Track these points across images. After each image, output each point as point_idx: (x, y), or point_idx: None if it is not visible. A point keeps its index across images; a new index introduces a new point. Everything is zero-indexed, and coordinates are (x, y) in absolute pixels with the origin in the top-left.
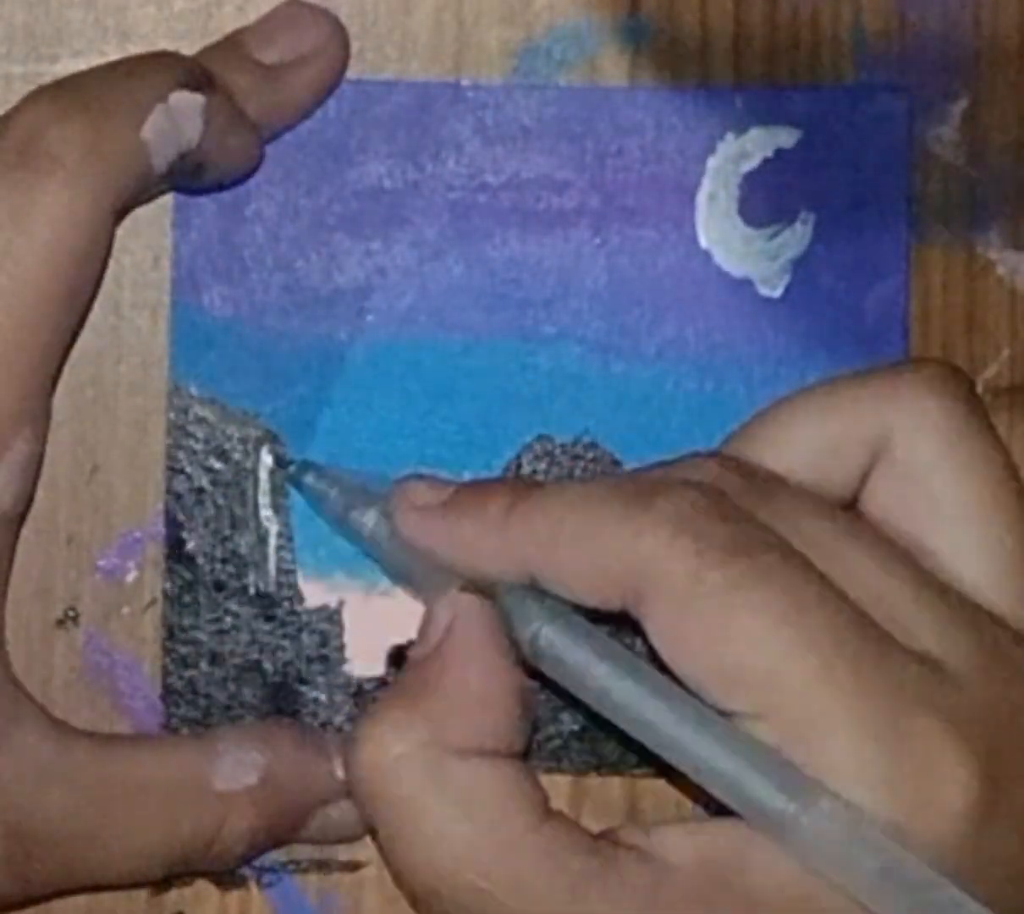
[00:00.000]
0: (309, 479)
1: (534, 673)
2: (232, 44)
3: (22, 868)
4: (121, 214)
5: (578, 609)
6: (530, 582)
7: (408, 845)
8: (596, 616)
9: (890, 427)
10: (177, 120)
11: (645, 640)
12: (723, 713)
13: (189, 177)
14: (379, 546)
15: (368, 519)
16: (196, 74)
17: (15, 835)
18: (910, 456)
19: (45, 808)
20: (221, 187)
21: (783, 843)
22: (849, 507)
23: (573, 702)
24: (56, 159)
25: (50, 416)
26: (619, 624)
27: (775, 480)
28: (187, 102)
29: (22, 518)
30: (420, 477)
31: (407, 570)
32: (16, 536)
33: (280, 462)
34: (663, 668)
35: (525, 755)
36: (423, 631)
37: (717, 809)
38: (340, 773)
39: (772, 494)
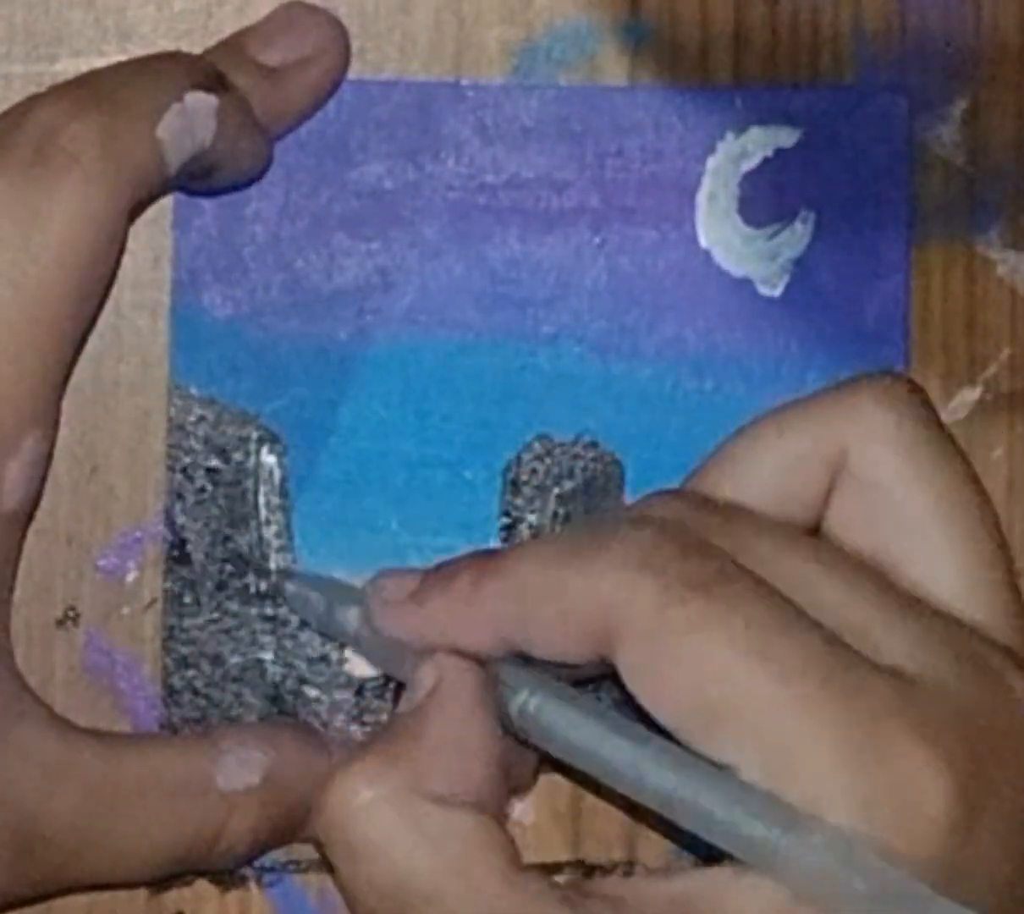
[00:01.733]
0: (290, 586)
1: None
2: (233, 46)
3: (25, 866)
4: (134, 214)
5: (567, 669)
6: (513, 652)
7: (373, 889)
8: (592, 678)
9: (846, 443)
10: (191, 120)
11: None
12: (704, 751)
13: (199, 178)
14: (364, 643)
15: (350, 618)
16: (210, 75)
17: (18, 833)
18: (868, 471)
19: (48, 806)
20: (229, 189)
21: (773, 873)
22: (814, 531)
23: (562, 769)
24: (73, 157)
25: (60, 416)
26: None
27: (736, 510)
28: (201, 102)
29: (30, 517)
30: (390, 572)
31: (394, 662)
32: (23, 535)
33: (262, 572)
34: (644, 713)
35: (502, 815)
36: (407, 692)
37: (703, 851)
38: None
39: (733, 524)
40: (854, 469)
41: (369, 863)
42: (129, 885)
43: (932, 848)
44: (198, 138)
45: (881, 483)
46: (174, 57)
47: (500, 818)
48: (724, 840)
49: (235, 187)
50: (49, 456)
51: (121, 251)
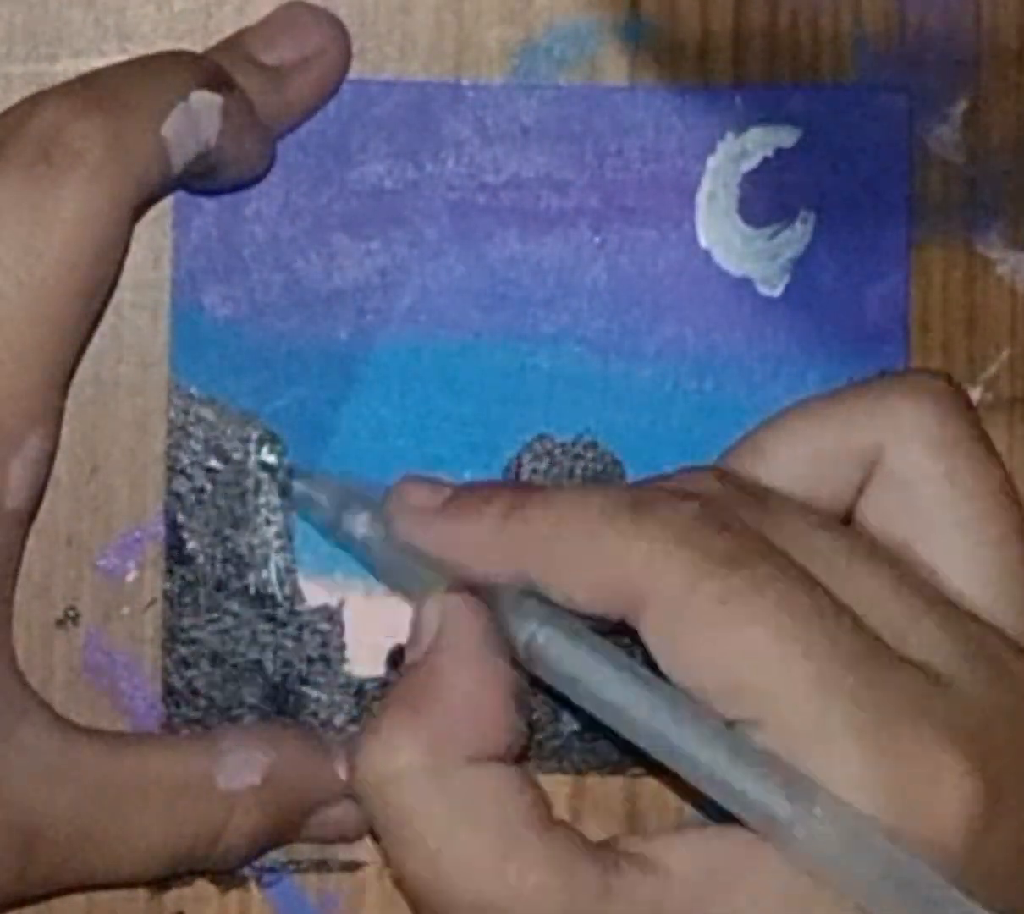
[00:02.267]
0: (298, 485)
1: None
2: (234, 46)
3: (25, 866)
4: (138, 213)
5: (577, 618)
6: (526, 586)
7: (412, 854)
8: (595, 627)
9: (883, 438)
10: (196, 120)
11: (644, 650)
12: (722, 720)
13: (202, 178)
14: (372, 549)
15: (360, 522)
16: (215, 74)
17: (19, 833)
18: (903, 467)
19: (49, 806)
20: (231, 188)
21: (783, 846)
22: (846, 521)
23: (567, 704)
24: (78, 155)
25: (63, 415)
26: (618, 634)
27: (771, 493)
28: (206, 102)
29: (32, 516)
30: (418, 478)
31: (400, 573)
32: (26, 534)
33: (268, 468)
34: (662, 677)
35: (525, 755)
36: (413, 635)
37: (713, 812)
38: (342, 773)
39: (769, 506)
40: (889, 465)
41: (409, 830)
42: (130, 885)
43: (948, 839)
44: (203, 137)
45: (916, 482)
46: (179, 56)
47: (523, 765)
48: (736, 807)
49: (238, 186)
50: (52, 455)
51: (125, 250)
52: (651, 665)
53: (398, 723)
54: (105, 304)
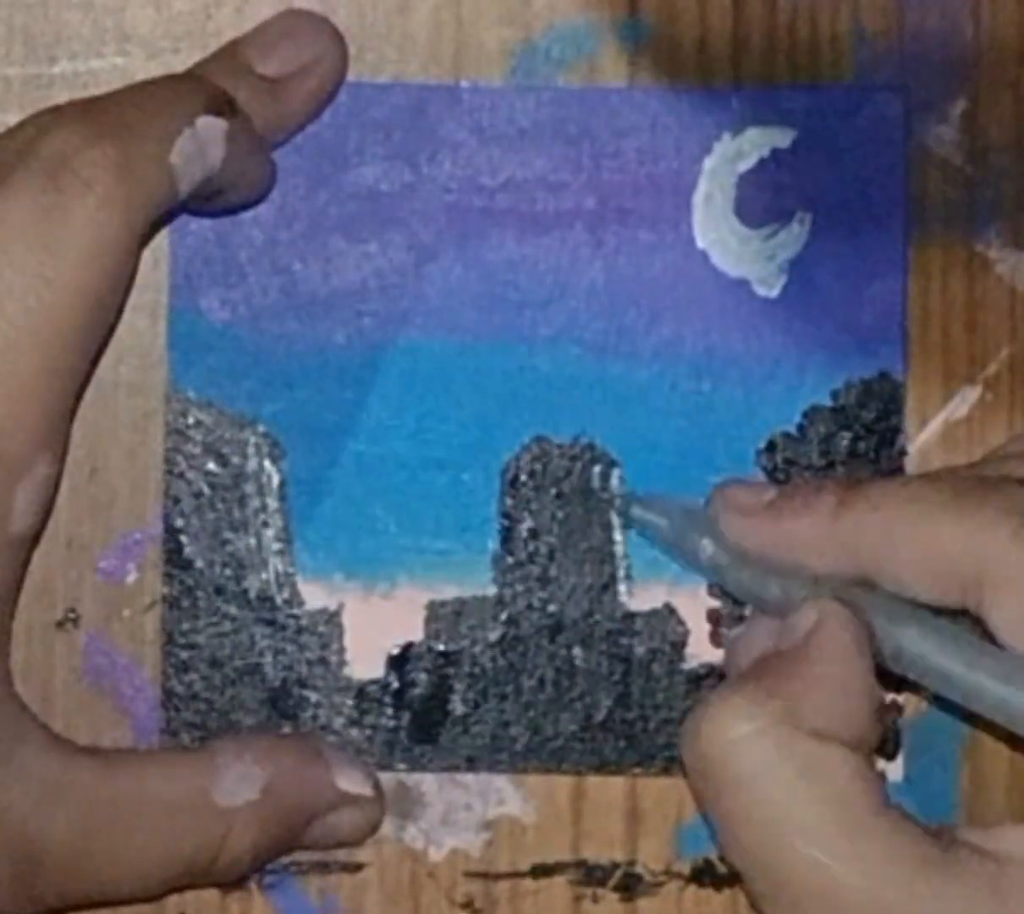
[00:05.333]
0: (637, 511)
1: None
2: (231, 56)
3: (26, 887)
4: (145, 239)
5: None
6: (859, 579)
7: (750, 819)
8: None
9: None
10: (202, 145)
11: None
12: None
13: (205, 201)
14: (721, 568)
15: (706, 546)
16: (220, 98)
17: (18, 853)
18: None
19: (48, 826)
20: (232, 211)
21: None
22: None
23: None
24: (87, 183)
25: (69, 438)
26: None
27: None
28: (212, 127)
29: (37, 539)
30: (739, 481)
31: (753, 588)
32: (29, 557)
33: (608, 493)
34: None
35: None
36: (783, 633)
37: None
38: (340, 783)
39: None
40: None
41: (746, 795)
42: (130, 902)
43: None
44: (208, 162)
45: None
46: (184, 81)
47: (870, 758)
48: None
49: (238, 209)
50: (58, 479)
51: (133, 276)
52: None
53: (753, 693)
54: (113, 329)
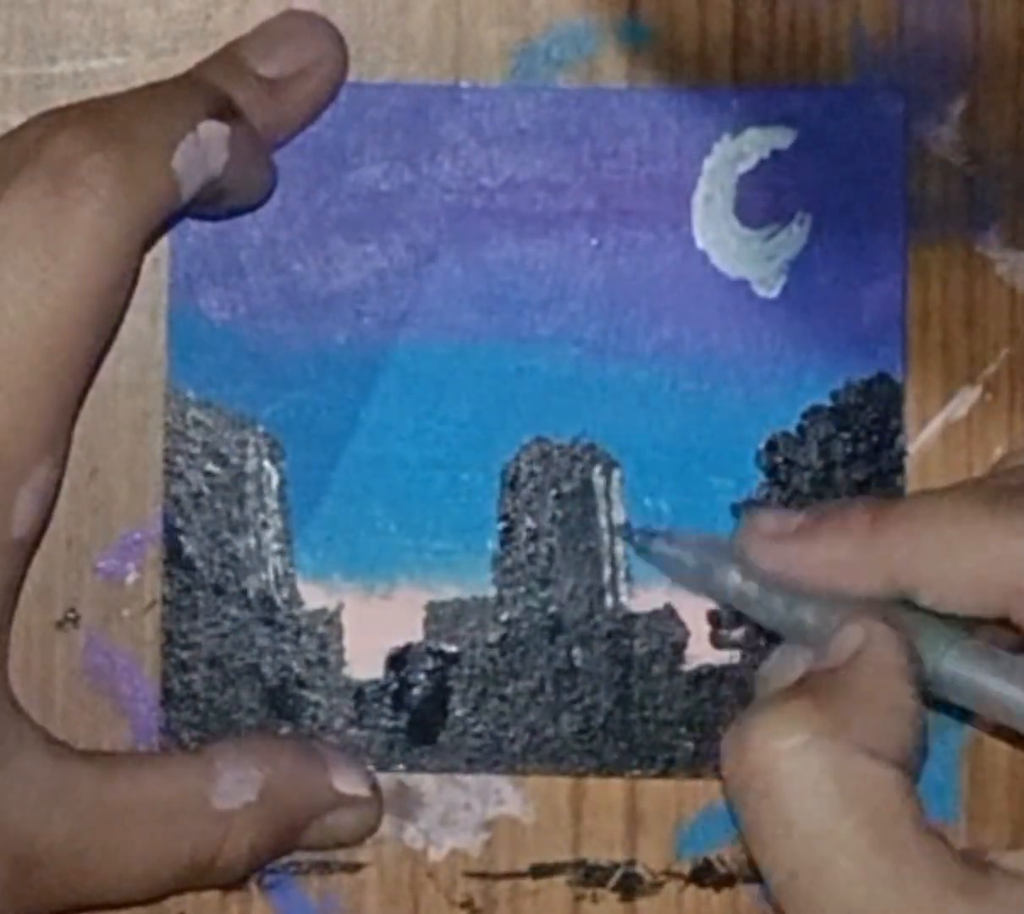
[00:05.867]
0: (658, 547)
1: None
2: (231, 58)
3: (23, 890)
4: (148, 244)
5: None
6: (897, 596)
7: (790, 831)
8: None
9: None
10: (205, 150)
11: None
12: None
13: (205, 205)
14: (749, 599)
15: (732, 577)
16: (222, 103)
17: (15, 857)
18: None
19: (45, 830)
20: (232, 215)
21: None
22: None
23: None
24: (90, 189)
25: (70, 443)
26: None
27: None
28: (214, 132)
29: (37, 542)
30: (763, 508)
31: (786, 614)
32: (30, 560)
33: (617, 531)
34: None
35: (917, 778)
36: (826, 654)
37: None
38: (337, 784)
39: None
40: None
41: (789, 806)
42: (128, 904)
43: None
44: (211, 167)
45: None
46: (187, 85)
47: (915, 780)
48: None
49: (240, 212)
50: (59, 483)
51: (135, 281)
52: None
53: (803, 706)
54: (115, 334)
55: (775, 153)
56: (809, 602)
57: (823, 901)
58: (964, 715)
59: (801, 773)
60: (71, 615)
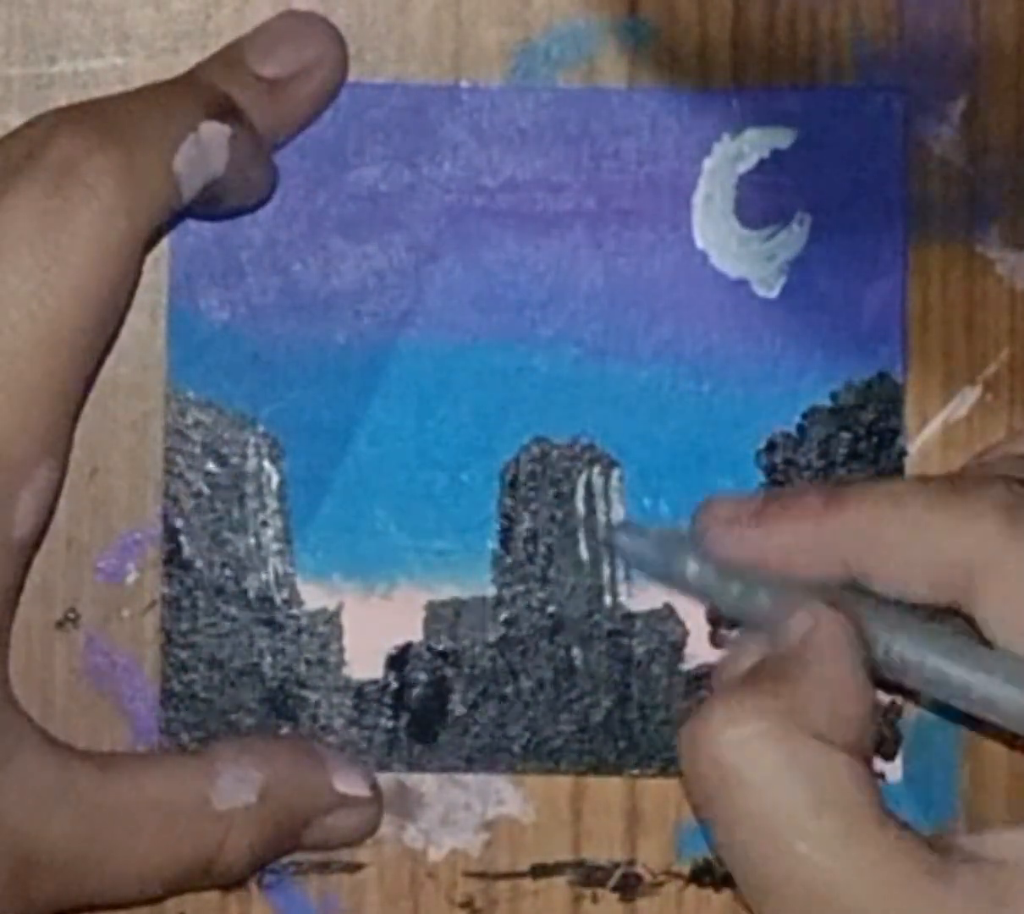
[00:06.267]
0: (622, 539)
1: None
2: (231, 58)
3: (24, 890)
4: (149, 245)
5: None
6: (848, 584)
7: (749, 821)
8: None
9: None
10: (206, 151)
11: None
12: None
13: (206, 206)
14: (708, 587)
15: (691, 567)
16: (223, 104)
17: (15, 857)
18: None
19: (46, 832)
20: (232, 215)
21: None
22: None
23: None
24: (91, 189)
25: (72, 444)
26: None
27: None
28: (215, 133)
29: (38, 543)
30: (722, 495)
31: (743, 604)
32: (30, 562)
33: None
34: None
35: (870, 760)
36: (777, 640)
37: None
38: (337, 785)
39: None
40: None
41: (747, 796)
42: (128, 905)
43: None
44: (211, 168)
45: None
46: (188, 86)
47: (869, 763)
48: None
49: (240, 212)
50: (60, 484)
51: (136, 282)
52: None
53: (753, 694)
54: (115, 335)
55: (775, 153)
56: (765, 588)
57: (786, 890)
58: (961, 719)
59: (758, 762)
60: (71, 615)
